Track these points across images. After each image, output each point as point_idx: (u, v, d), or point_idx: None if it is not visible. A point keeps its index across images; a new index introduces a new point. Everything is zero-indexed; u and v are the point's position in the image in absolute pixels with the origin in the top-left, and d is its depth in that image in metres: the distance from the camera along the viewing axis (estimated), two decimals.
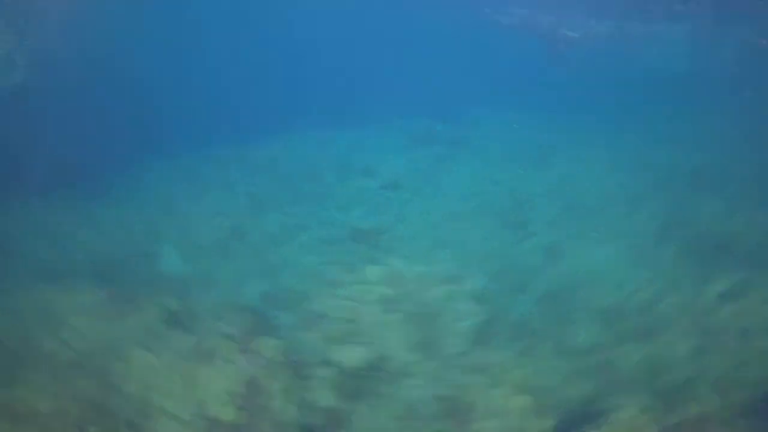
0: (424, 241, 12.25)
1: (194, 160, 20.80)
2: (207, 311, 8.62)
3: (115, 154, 23.62)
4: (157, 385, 5.81)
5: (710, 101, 24.17)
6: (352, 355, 7.27)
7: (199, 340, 6.43)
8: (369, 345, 7.39)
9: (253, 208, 14.43)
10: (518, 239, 13.16)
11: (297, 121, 26.56)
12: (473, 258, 11.85)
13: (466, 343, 8.09)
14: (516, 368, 7.52)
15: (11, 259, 11.49)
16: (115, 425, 5.27)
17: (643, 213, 14.27)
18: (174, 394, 5.60)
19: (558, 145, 20.78)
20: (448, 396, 6.52)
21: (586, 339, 9.19)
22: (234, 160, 19.73)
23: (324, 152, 19.69)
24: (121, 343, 6.60)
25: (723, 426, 5.22)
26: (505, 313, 9.75)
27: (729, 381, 6.87)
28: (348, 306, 7.76)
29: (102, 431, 5.06)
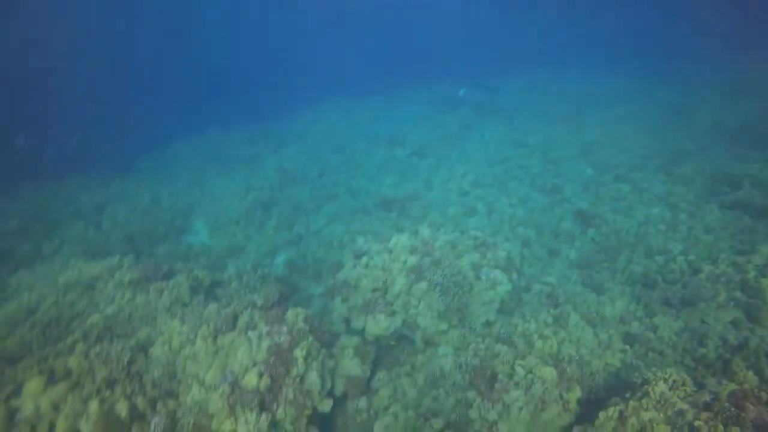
0: (452, 209, 11.96)
1: (225, 138, 21.03)
2: (235, 280, 8.74)
3: (148, 134, 24.26)
4: (183, 350, 5.93)
5: None
6: (377, 324, 7.21)
7: (226, 309, 6.49)
8: (395, 314, 7.30)
9: (282, 181, 14.44)
10: (550, 205, 12.65)
11: (322, 94, 26.40)
12: (503, 225, 11.51)
13: (493, 312, 7.90)
14: (545, 339, 7.28)
15: (52, 231, 12.00)
16: (142, 386, 5.43)
17: (685, 170, 13.46)
18: (199, 359, 5.71)
19: (588, 103, 19.84)
20: (473, 365, 6.38)
21: (620, 309, 8.84)
22: (262, 136, 19.76)
23: (350, 123, 19.43)
24: (150, 310, 6.76)
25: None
26: (535, 282, 9.49)
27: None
28: (375, 275, 7.66)
29: (129, 390, 5.22)
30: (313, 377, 5.66)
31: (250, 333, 5.96)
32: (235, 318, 6.07)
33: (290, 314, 6.23)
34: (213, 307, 6.89)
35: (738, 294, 7.90)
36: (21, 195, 14.15)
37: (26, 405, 5.05)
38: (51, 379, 5.46)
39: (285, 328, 6.04)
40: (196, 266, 9.37)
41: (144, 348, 6.28)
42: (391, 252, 8.28)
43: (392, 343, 7.48)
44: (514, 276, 8.65)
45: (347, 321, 7.68)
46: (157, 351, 6.13)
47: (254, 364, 5.53)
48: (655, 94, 21.16)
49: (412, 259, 7.86)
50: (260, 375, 5.42)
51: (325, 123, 20.24)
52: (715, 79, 23.46)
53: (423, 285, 7.52)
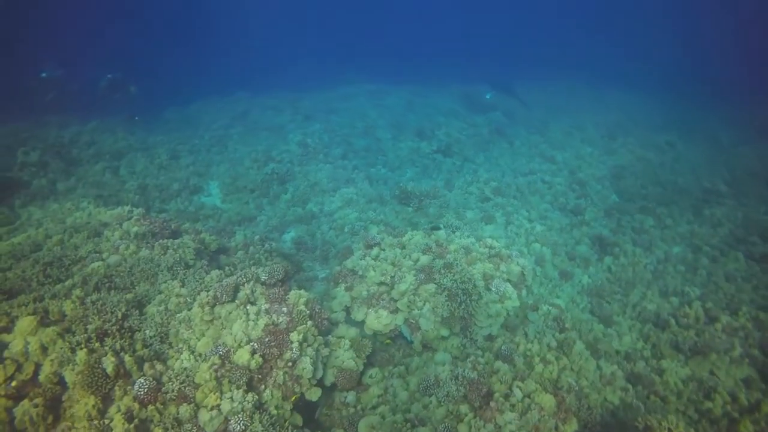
0: (470, 213, 11.68)
1: (252, 103, 20.82)
2: (241, 250, 8.60)
3: (177, 87, 24.18)
4: (179, 313, 5.79)
5: None
6: (378, 319, 7.03)
7: (229, 278, 6.33)
8: (398, 312, 7.11)
9: (303, 156, 14.23)
10: (569, 225, 12.32)
11: (355, 76, 26.06)
12: (519, 238, 11.21)
13: (497, 326, 7.66)
14: (546, 363, 7.04)
15: (70, 168, 11.96)
16: (132, 343, 5.31)
17: (715, 213, 13.00)
18: (194, 326, 5.57)
19: (625, 124, 19.26)
20: (469, 378, 6.17)
21: (626, 345, 8.55)
22: (290, 106, 19.51)
23: (380, 108, 19.08)
24: (152, 266, 6.64)
25: None
26: (542, 302, 9.23)
27: None
28: (384, 268, 7.44)
29: (119, 346, 5.10)
30: (306, 363, 5.49)
31: (248, 307, 5.79)
32: (236, 289, 5.90)
33: (292, 295, 6.05)
34: (215, 273, 6.75)
35: (755, 352, 7.58)
36: (47, 128, 14.14)
37: (16, 342, 4.95)
38: (44, 321, 5.37)
39: (285, 309, 5.86)
40: (204, 229, 9.26)
41: (140, 304, 6.16)
42: (403, 247, 8.07)
43: (387, 341, 7.29)
44: (524, 292, 8.40)
45: (348, 310, 7.49)
46: (152, 310, 6.01)
47: (248, 341, 5.37)
48: (699, 126, 20.52)
49: (424, 259, 7.63)
50: (253, 353, 5.26)
51: (354, 103, 19.93)
52: (754, 117, 22.74)
53: (431, 287, 7.30)
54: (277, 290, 6.07)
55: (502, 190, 12.74)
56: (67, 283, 6.26)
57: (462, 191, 12.91)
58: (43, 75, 16.19)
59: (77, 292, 5.90)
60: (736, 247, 11.49)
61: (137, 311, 5.93)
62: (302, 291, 6.25)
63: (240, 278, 6.06)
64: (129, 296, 6.09)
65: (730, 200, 13.72)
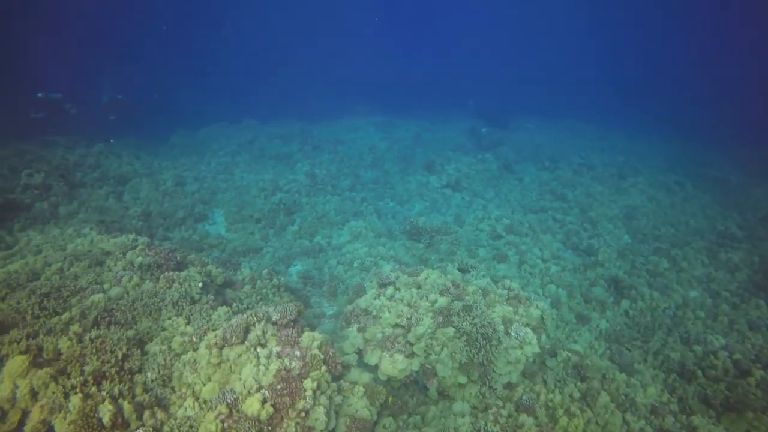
0: (482, 251, 11.36)
1: (260, 131, 20.78)
2: (248, 284, 8.21)
3: (185, 112, 24.25)
4: (184, 354, 5.37)
5: None
6: (394, 364, 6.58)
7: (238, 317, 5.93)
8: (414, 356, 6.67)
9: (311, 186, 14.00)
10: (583, 266, 11.98)
11: (362, 107, 26.22)
12: (533, 279, 10.85)
13: (517, 373, 7.21)
14: (570, 416, 6.58)
15: (73, 192, 11.65)
16: (132, 387, 4.86)
17: (732, 257, 12.68)
18: (200, 369, 5.14)
19: (633, 164, 19.17)
20: None
21: (651, 397, 8.06)
22: (298, 136, 19.45)
23: (389, 140, 19.02)
24: (155, 301, 6.24)
25: None
26: (560, 347, 8.81)
27: None
28: (399, 309, 7.05)
29: (117, 391, 4.66)
30: (320, 414, 5.04)
31: (259, 350, 5.38)
32: (246, 330, 5.50)
33: (306, 338, 5.64)
34: (223, 311, 6.35)
35: None
36: (53, 149, 13.93)
37: (3, 386, 4.51)
38: (37, 360, 4.94)
39: (298, 353, 5.44)
40: (209, 259, 8.88)
41: (141, 342, 5.73)
42: (419, 287, 7.69)
43: (407, 387, 6.83)
44: (543, 338, 7.99)
45: (360, 353, 7.05)
46: (154, 349, 5.58)
47: (258, 388, 4.93)
48: (707, 167, 20.46)
49: (443, 300, 7.24)
50: (263, 401, 4.82)
51: (362, 135, 19.90)
52: (759, 157, 22.78)
53: (449, 330, 6.89)
54: (289, 332, 5.66)
55: (514, 227, 12.45)
56: (64, 317, 5.84)
57: (473, 228, 12.62)
58: (39, 95, 16.06)
59: (75, 327, 5.48)
60: (756, 294, 11.13)
61: (138, 350, 5.51)
62: (316, 333, 5.84)
63: (251, 318, 5.66)
64: (130, 333, 5.68)
65: (745, 244, 13.43)
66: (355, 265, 10.27)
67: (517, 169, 17.75)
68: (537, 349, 7.48)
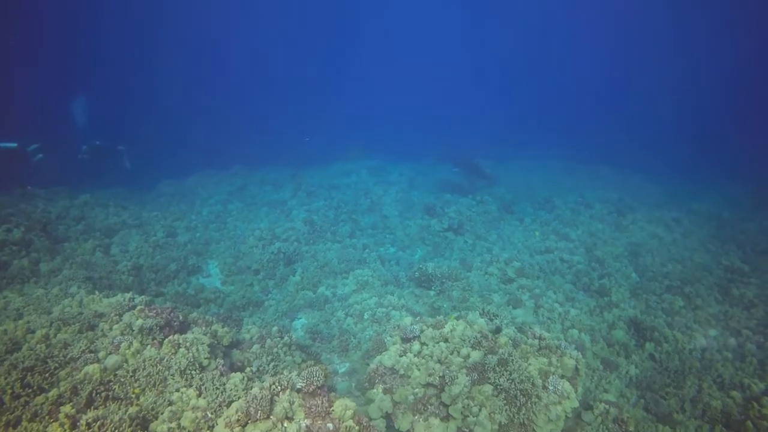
0: (496, 296, 10.83)
1: (250, 178, 20.30)
2: (256, 343, 7.45)
3: (171, 161, 23.66)
4: None
5: None
6: (428, 430, 5.87)
7: (255, 384, 5.20)
8: (451, 419, 5.97)
9: (310, 234, 13.41)
10: (598, 308, 11.53)
11: (350, 152, 26.15)
12: (553, 324, 10.30)
13: (558, 431, 6.56)
14: None
15: (56, 247, 10.79)
16: None
17: (746, 293, 12.42)
18: None
19: (628, 201, 19.21)
20: None
21: None
22: (290, 182, 19.01)
23: (384, 184, 18.71)
24: (159, 369, 5.46)
25: None
26: (592, 398, 8.24)
27: None
28: (430, 367, 6.38)
29: None
30: None
31: (286, 425, 4.64)
32: (271, 401, 4.77)
33: (338, 407, 4.93)
34: (237, 378, 5.60)
35: None
36: (34, 201, 13.09)
37: None
38: None
39: (331, 426, 4.72)
40: (208, 315, 8.10)
41: (145, 420, 4.93)
42: (446, 340, 7.07)
43: None
44: (579, 389, 7.38)
45: (388, 417, 6.31)
46: (162, 428, 4.78)
47: None
48: (699, 202, 20.63)
49: (475, 355, 6.63)
50: None
51: (356, 179, 19.59)
52: (746, 192, 23.23)
53: (487, 388, 6.25)
54: (318, 401, 4.95)
55: (525, 270, 12.01)
56: (51, 394, 5.03)
57: (482, 272, 12.13)
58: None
59: (67, 408, 4.67)
60: None
61: (144, 431, 4.71)
62: (347, 401, 5.13)
63: (274, 387, 4.94)
64: (132, 410, 4.88)
65: (754, 278, 13.24)
66: (366, 316, 9.59)
67: (516, 209, 17.56)
68: (576, 403, 6.87)
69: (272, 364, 7.01)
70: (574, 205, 18.05)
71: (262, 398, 4.66)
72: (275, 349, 7.35)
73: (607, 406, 7.87)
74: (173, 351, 5.82)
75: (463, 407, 6.08)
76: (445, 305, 10.40)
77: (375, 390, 6.56)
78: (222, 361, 6.17)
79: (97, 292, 7.78)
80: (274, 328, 7.76)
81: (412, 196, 18.09)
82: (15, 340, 5.95)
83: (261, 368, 6.69)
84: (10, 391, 4.97)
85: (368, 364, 8.12)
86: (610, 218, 17.17)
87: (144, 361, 5.62)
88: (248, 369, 6.15)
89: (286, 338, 7.60)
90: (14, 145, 13.78)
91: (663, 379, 9.20)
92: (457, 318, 7.74)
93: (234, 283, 11.35)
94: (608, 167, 25.62)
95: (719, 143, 34.88)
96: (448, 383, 6.19)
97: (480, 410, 6.11)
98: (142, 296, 7.11)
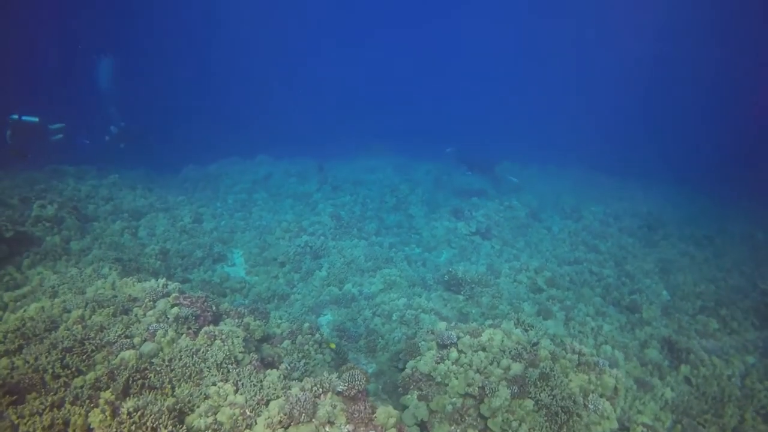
0: (526, 305, 10.55)
1: (275, 167, 20.15)
2: (287, 339, 7.28)
3: (197, 147, 23.69)
4: (235, 430, 4.43)
5: None
6: None
7: (296, 384, 5.02)
8: None
9: (337, 229, 13.24)
10: (629, 324, 11.19)
11: (377, 147, 25.91)
12: (585, 338, 10.01)
13: None
14: None
15: (86, 227, 10.78)
16: None
17: None
18: None
19: (658, 216, 18.70)
20: None
21: None
22: (315, 176, 18.82)
23: (410, 182, 18.37)
24: (195, 361, 5.31)
25: None
26: (627, 419, 7.95)
27: None
28: (470, 377, 6.14)
29: None
30: None
31: (328, 429, 4.46)
32: (314, 404, 4.59)
33: (381, 414, 4.73)
34: (275, 375, 5.42)
35: None
36: (64, 179, 13.14)
37: None
38: None
39: None
40: (239, 307, 7.96)
41: (182, 413, 4.78)
42: (484, 349, 6.83)
43: None
44: (619, 410, 7.11)
45: (423, 425, 6.11)
46: (199, 423, 4.62)
47: None
48: (724, 221, 20.02)
49: (516, 367, 6.38)
50: None
51: (381, 176, 19.33)
52: None
53: (528, 403, 6.00)
54: (361, 407, 4.76)
55: (555, 280, 11.69)
56: (89, 377, 4.92)
57: (510, 279, 11.84)
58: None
59: (107, 394, 4.54)
60: None
61: (180, 425, 4.56)
62: (390, 408, 4.93)
63: (316, 389, 4.76)
64: (169, 402, 4.73)
65: None
66: (394, 317, 9.38)
67: (543, 217, 17.20)
68: (615, 425, 6.59)
69: (303, 361, 6.85)
70: (603, 216, 17.63)
71: (305, 400, 4.47)
72: (306, 346, 7.19)
73: (644, 429, 7.59)
74: (209, 342, 5.68)
75: (503, 421, 5.85)
76: (473, 311, 10.16)
77: (409, 396, 6.35)
78: (255, 356, 6.01)
79: (127, 275, 7.69)
80: (306, 325, 7.60)
81: (437, 196, 17.83)
82: (52, 319, 5.86)
83: (291, 365, 6.52)
84: (51, 371, 4.87)
85: (397, 367, 7.93)
86: (639, 232, 16.72)
87: (180, 351, 5.48)
88: (283, 366, 5.97)
89: (317, 335, 7.43)
90: (36, 119, 13.72)
91: (701, 405, 8.85)
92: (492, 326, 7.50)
93: (259, 274, 11.23)
94: (634, 181, 25.01)
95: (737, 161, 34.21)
96: (489, 395, 5.96)
97: (520, 425, 5.87)
98: (175, 283, 6.98)
